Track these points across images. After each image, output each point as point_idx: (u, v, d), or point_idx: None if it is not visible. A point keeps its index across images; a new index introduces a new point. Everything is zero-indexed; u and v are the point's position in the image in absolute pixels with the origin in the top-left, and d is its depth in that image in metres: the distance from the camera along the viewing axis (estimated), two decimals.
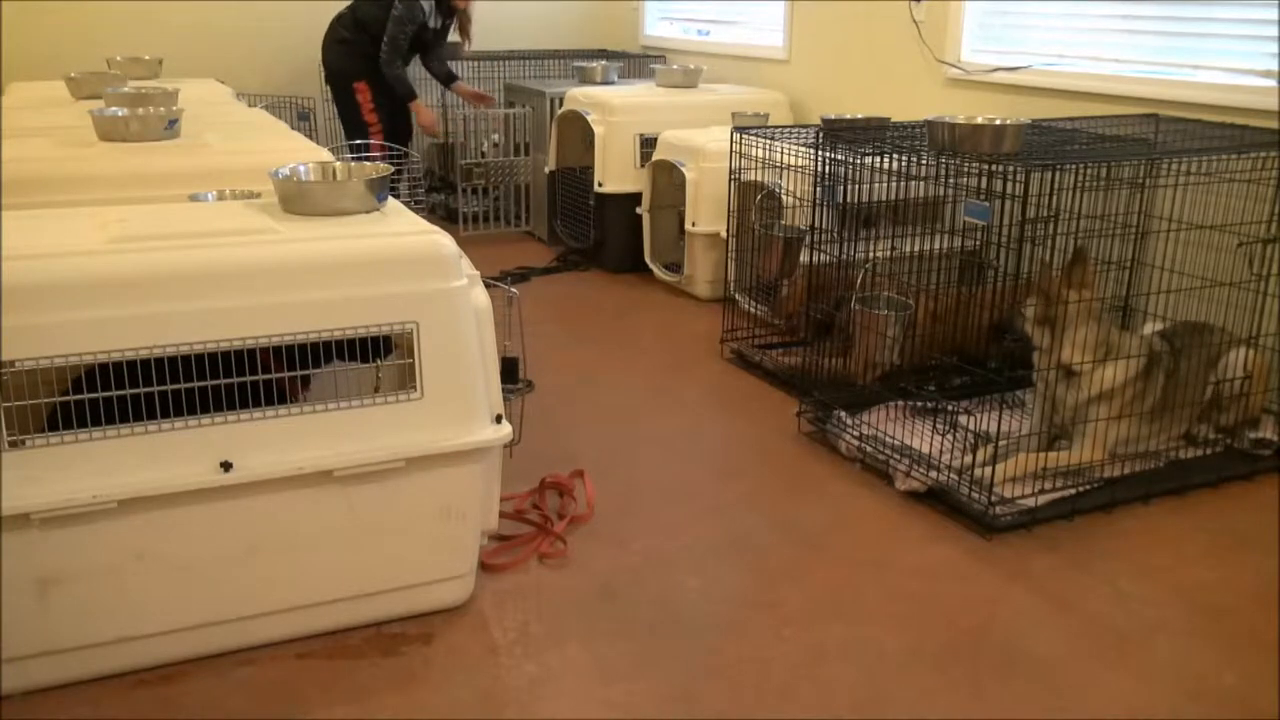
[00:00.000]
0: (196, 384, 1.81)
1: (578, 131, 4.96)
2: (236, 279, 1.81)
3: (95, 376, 1.76)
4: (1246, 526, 2.53)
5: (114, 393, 1.76)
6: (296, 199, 2.06)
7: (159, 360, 1.77)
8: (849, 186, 2.95)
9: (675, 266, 4.50)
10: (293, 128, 3.34)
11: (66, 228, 1.91)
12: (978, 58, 4.06)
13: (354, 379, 2.01)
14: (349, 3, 5.05)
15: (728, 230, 3.86)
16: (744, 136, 3.56)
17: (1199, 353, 2.74)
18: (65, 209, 2.13)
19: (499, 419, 2.07)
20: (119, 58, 4.82)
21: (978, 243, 3.04)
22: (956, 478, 2.59)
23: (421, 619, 2.11)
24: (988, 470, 2.56)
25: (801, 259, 3.51)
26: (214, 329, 1.80)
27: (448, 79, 5.31)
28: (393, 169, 2.20)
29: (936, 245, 3.33)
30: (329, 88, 5.16)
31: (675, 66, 5.35)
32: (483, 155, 5.36)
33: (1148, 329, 2.93)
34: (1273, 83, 3.07)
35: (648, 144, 4.57)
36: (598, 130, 4.64)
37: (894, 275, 3.22)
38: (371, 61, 4.91)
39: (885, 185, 2.93)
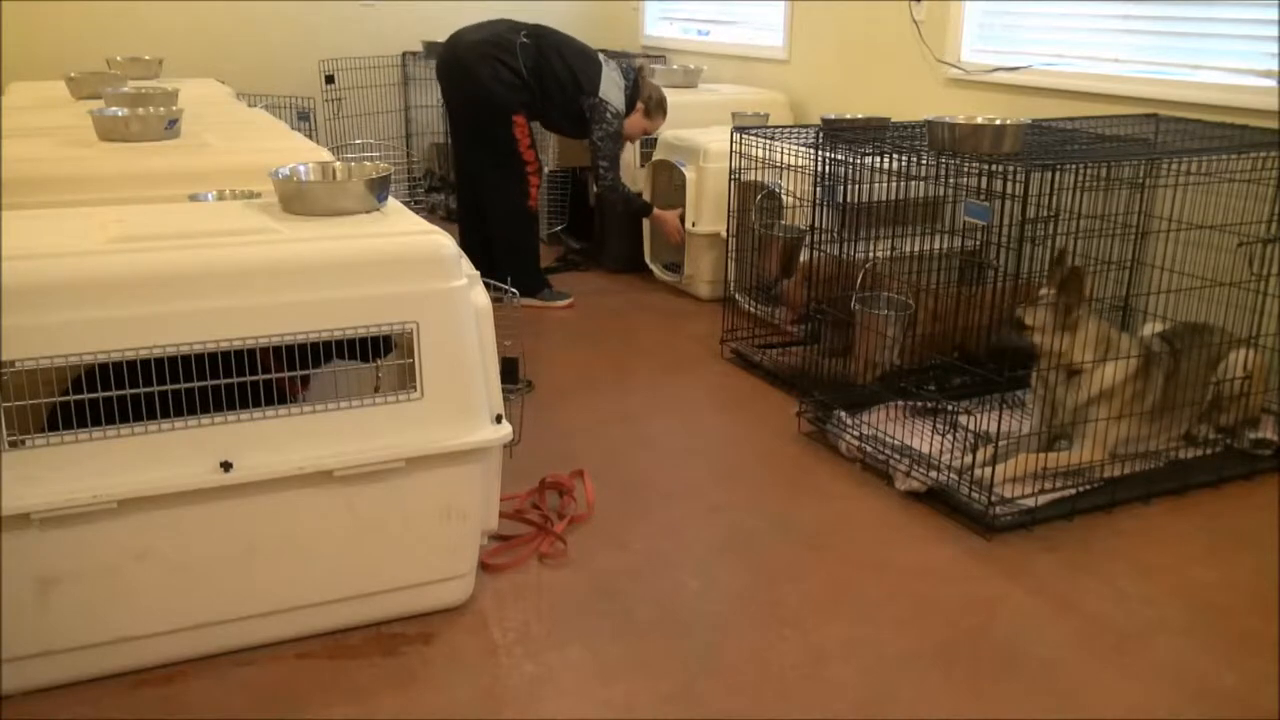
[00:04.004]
0: (196, 384, 1.81)
1: None
2: (236, 279, 1.81)
3: (95, 376, 1.76)
4: (1246, 526, 2.53)
5: (114, 393, 1.76)
6: (296, 199, 2.06)
7: (159, 360, 1.77)
8: (849, 186, 2.95)
9: (675, 266, 4.50)
10: (293, 128, 3.34)
11: (66, 228, 1.91)
12: (978, 58, 4.06)
13: (354, 379, 2.01)
14: (525, 34, 4.13)
15: (728, 230, 3.86)
16: (744, 136, 3.56)
17: (1199, 353, 2.74)
18: (65, 209, 2.13)
19: (499, 419, 2.07)
20: (119, 58, 4.82)
21: (978, 243, 3.04)
22: (956, 478, 2.59)
23: (421, 619, 2.11)
24: (988, 470, 2.56)
25: (802, 258, 3.52)
26: (214, 329, 1.80)
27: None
28: (390, 170, 2.20)
29: (936, 245, 3.33)
30: (470, 113, 4.19)
31: (675, 66, 5.35)
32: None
33: (1148, 329, 2.93)
34: (1273, 83, 3.07)
35: (648, 144, 4.57)
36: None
37: (894, 275, 3.23)
38: (531, 103, 4.14)
39: (885, 185, 2.93)
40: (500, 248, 4.23)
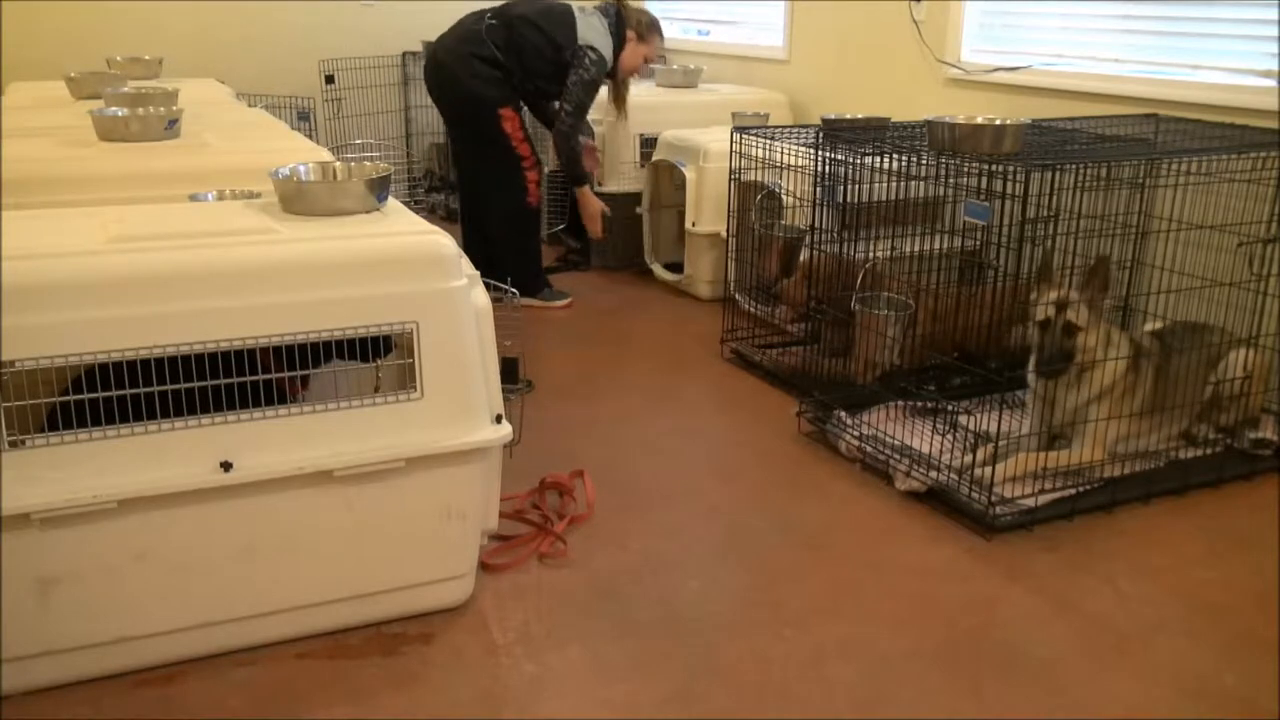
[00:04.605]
0: (196, 384, 1.82)
1: None
2: (236, 279, 1.81)
3: (95, 376, 1.76)
4: (1246, 526, 2.53)
5: (114, 393, 1.76)
6: (296, 199, 2.06)
7: (159, 360, 1.78)
8: (849, 186, 2.95)
9: (676, 266, 4.50)
10: (293, 128, 3.34)
11: (66, 228, 1.91)
12: (978, 58, 4.06)
13: (354, 379, 2.01)
14: (490, 16, 4.06)
15: (728, 230, 3.86)
16: (744, 136, 3.56)
17: (1195, 352, 2.73)
18: (65, 209, 2.13)
19: (499, 419, 2.07)
20: (119, 58, 4.82)
21: (978, 243, 3.04)
22: (956, 478, 2.59)
23: (421, 619, 2.11)
24: (988, 470, 2.56)
25: (802, 257, 3.52)
26: (214, 329, 1.80)
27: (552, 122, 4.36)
28: (390, 170, 2.20)
29: (936, 245, 3.33)
30: (457, 114, 4.19)
31: (675, 66, 5.35)
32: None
33: (1147, 329, 2.93)
34: (1273, 83, 3.07)
35: (648, 144, 4.56)
36: (597, 130, 4.64)
37: (894, 275, 3.23)
38: (515, 91, 4.08)
39: (885, 185, 2.93)
40: (500, 247, 4.22)
